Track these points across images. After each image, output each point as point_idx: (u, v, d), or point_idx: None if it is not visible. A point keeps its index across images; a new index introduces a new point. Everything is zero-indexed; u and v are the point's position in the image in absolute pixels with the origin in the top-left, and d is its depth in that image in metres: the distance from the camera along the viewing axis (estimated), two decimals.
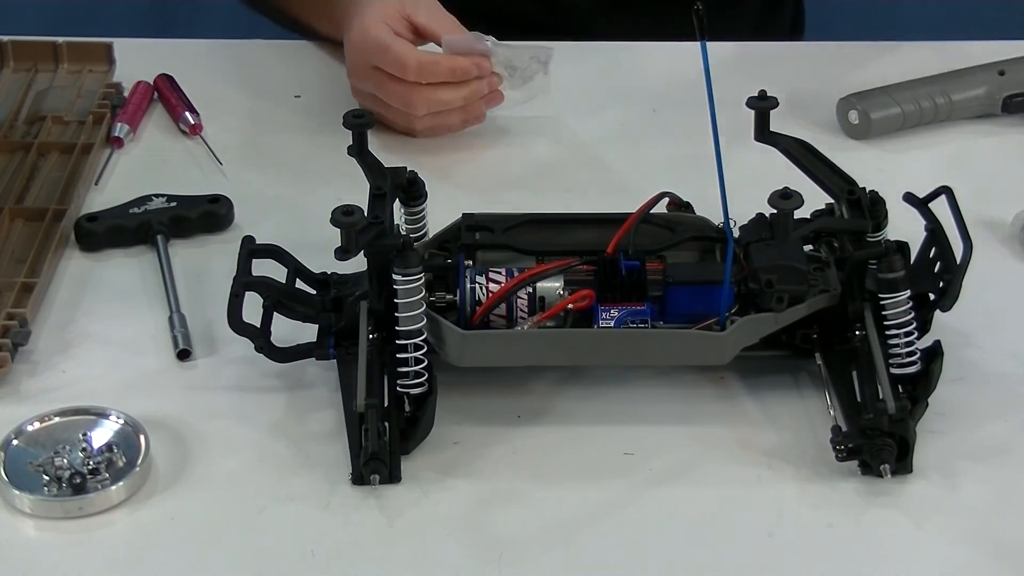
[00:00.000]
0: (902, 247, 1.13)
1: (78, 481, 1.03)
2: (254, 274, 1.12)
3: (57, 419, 1.08)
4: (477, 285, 1.10)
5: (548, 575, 1.00)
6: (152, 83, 1.46)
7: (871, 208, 1.13)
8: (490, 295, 1.09)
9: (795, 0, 1.75)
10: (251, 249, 1.14)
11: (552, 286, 1.10)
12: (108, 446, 1.06)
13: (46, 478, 1.03)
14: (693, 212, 1.21)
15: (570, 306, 1.08)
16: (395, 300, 1.06)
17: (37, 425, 1.07)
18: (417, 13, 1.32)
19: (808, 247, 1.14)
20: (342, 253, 1.04)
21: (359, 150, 1.14)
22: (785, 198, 1.04)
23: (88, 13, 2.13)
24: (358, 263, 1.08)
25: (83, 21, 2.10)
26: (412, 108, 1.29)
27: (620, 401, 1.12)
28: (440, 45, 1.33)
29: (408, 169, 1.17)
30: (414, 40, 1.33)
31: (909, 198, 1.15)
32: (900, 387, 1.08)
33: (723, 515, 1.04)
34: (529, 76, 1.33)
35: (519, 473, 1.06)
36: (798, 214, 1.05)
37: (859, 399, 1.08)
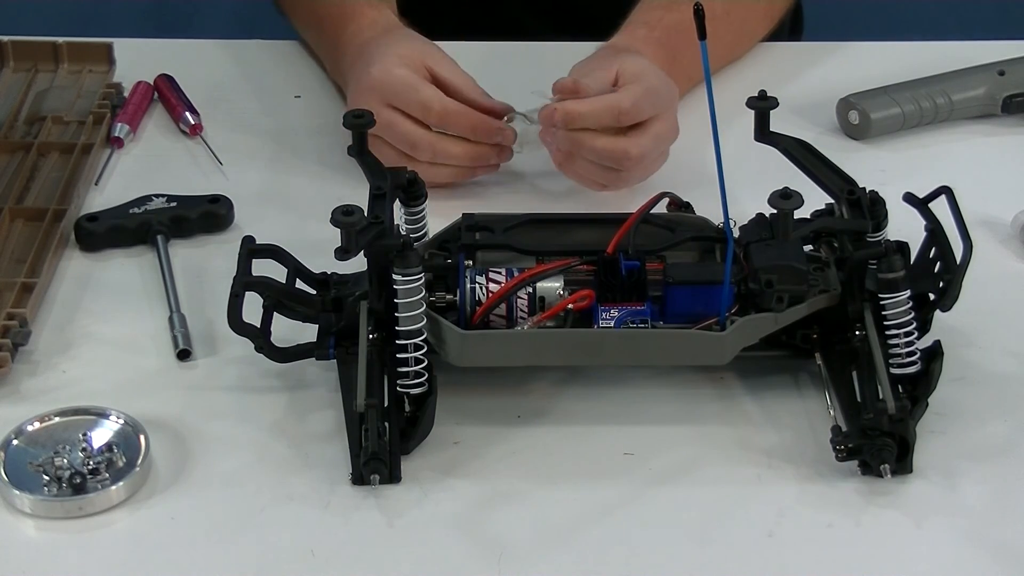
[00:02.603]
0: (902, 247, 1.13)
1: (78, 481, 1.03)
2: (254, 274, 1.12)
3: (57, 419, 1.08)
4: (477, 285, 1.10)
5: (548, 575, 1.00)
6: (152, 83, 1.46)
7: (871, 208, 1.13)
8: (490, 295, 1.09)
9: (794, 0, 1.75)
10: (251, 249, 1.14)
11: (552, 286, 1.10)
12: (108, 446, 1.06)
13: (46, 478, 1.03)
14: (693, 212, 1.21)
15: (570, 306, 1.08)
16: (395, 300, 1.06)
17: (37, 425, 1.07)
18: (438, 66, 1.31)
19: (808, 247, 1.14)
20: (342, 253, 1.04)
21: (359, 150, 1.14)
22: (785, 198, 1.04)
23: (88, 13, 2.13)
24: (358, 263, 1.08)
25: (83, 21, 2.09)
26: (416, 151, 1.27)
27: (620, 401, 1.12)
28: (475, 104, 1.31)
29: (408, 169, 1.17)
30: None
31: (909, 198, 1.15)
32: (900, 387, 1.08)
33: (723, 515, 1.04)
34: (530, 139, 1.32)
35: (519, 473, 1.06)
36: (798, 214, 1.05)
37: (859, 399, 1.08)
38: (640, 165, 1.29)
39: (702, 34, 1.00)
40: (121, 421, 1.08)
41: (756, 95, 1.14)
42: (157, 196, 1.29)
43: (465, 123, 1.28)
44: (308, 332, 1.13)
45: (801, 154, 1.16)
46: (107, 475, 1.04)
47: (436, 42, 1.35)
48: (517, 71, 1.43)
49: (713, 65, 1.45)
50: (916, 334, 1.09)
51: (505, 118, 1.30)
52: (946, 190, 1.14)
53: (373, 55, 1.32)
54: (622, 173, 1.29)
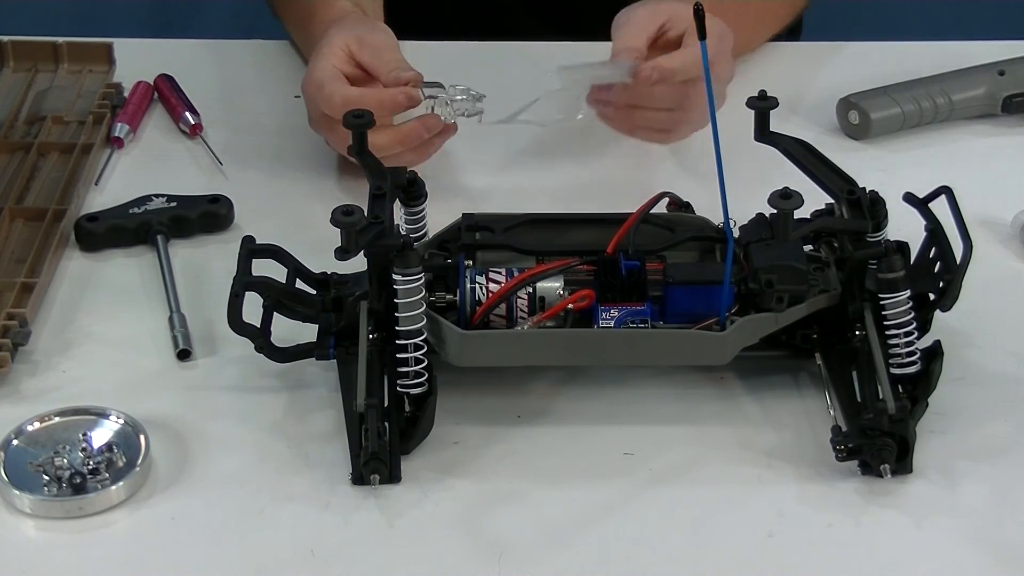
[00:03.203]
0: (902, 247, 1.13)
1: (78, 481, 1.03)
2: (254, 274, 1.12)
3: (57, 419, 1.08)
4: (477, 285, 1.10)
5: (548, 575, 1.00)
6: (152, 83, 1.46)
7: (871, 208, 1.13)
8: (490, 295, 1.09)
9: None
10: (251, 249, 1.14)
11: (552, 286, 1.10)
12: (108, 446, 1.06)
13: (46, 478, 1.03)
14: (693, 212, 1.21)
15: (570, 306, 1.08)
16: (395, 300, 1.06)
17: (37, 425, 1.07)
18: (361, 51, 1.31)
19: (808, 247, 1.14)
20: (342, 253, 1.04)
21: (359, 150, 1.14)
22: (785, 198, 1.04)
23: (88, 13, 2.13)
24: (358, 263, 1.08)
25: (83, 21, 2.10)
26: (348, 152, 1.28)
27: (620, 401, 1.12)
28: (383, 83, 1.30)
29: (408, 169, 1.17)
30: (364, 79, 1.31)
31: (909, 198, 1.15)
32: (900, 387, 1.08)
33: (723, 515, 1.04)
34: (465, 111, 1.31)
35: (519, 473, 1.06)
36: (798, 214, 1.05)
37: (859, 399, 1.08)
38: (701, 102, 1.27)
39: (702, 34, 1.01)
40: (121, 421, 1.08)
41: (756, 95, 1.14)
42: (157, 196, 1.29)
43: (371, 102, 1.25)
44: (308, 332, 1.13)
45: (801, 154, 1.16)
46: (107, 475, 1.04)
47: (436, 42, 1.35)
48: (515, 71, 1.43)
49: (758, 38, 1.45)
50: (916, 334, 1.09)
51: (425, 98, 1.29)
52: (946, 190, 1.14)
53: (312, 59, 1.33)
54: (685, 114, 1.30)
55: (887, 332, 1.08)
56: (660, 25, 1.30)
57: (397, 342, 1.06)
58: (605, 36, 1.40)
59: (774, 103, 1.14)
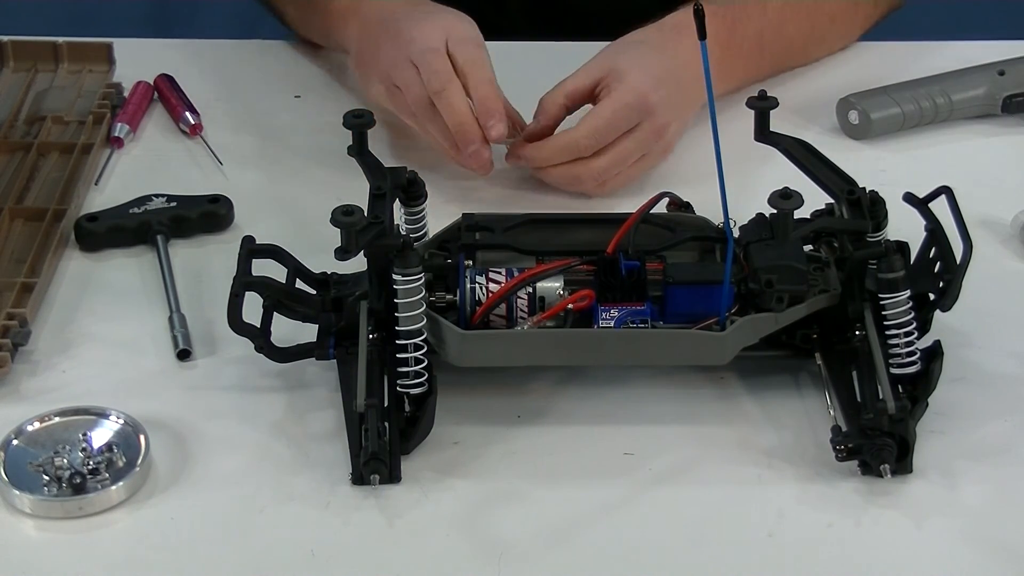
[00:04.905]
0: (902, 247, 1.13)
1: (78, 481, 1.03)
2: (254, 274, 1.12)
3: (57, 419, 1.08)
4: (477, 285, 1.10)
5: (548, 575, 1.00)
6: (152, 83, 1.46)
7: (871, 208, 1.13)
8: (490, 295, 1.09)
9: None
10: (251, 249, 1.14)
11: (552, 286, 1.10)
12: (108, 446, 1.06)
13: (46, 478, 1.03)
14: (693, 212, 1.21)
15: (570, 306, 1.08)
16: (395, 300, 1.06)
17: (37, 425, 1.07)
18: (457, 51, 1.30)
19: (808, 247, 1.14)
20: (342, 253, 1.04)
21: (359, 150, 1.14)
22: (785, 198, 1.04)
23: (88, 13, 2.13)
24: (358, 263, 1.08)
25: (83, 21, 2.10)
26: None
27: (620, 401, 1.12)
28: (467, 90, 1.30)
29: (408, 169, 1.17)
30: None
31: (909, 198, 1.15)
32: (900, 387, 1.08)
33: (723, 515, 1.04)
34: None
35: (519, 473, 1.06)
36: (798, 214, 1.05)
37: (859, 399, 1.08)
38: (602, 183, 1.30)
39: (702, 34, 1.00)
40: (121, 421, 1.08)
41: (756, 95, 1.14)
42: (157, 196, 1.29)
43: (468, 122, 1.27)
44: (308, 332, 1.13)
45: (801, 154, 1.16)
46: (107, 475, 1.04)
47: None
48: (515, 71, 1.43)
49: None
50: (916, 334, 1.09)
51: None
52: (946, 190, 1.14)
53: (432, 8, 1.33)
54: (594, 189, 1.30)
55: (887, 332, 1.08)
56: (597, 83, 1.30)
57: (397, 342, 1.06)
58: (604, 36, 1.40)
59: (774, 103, 1.14)
